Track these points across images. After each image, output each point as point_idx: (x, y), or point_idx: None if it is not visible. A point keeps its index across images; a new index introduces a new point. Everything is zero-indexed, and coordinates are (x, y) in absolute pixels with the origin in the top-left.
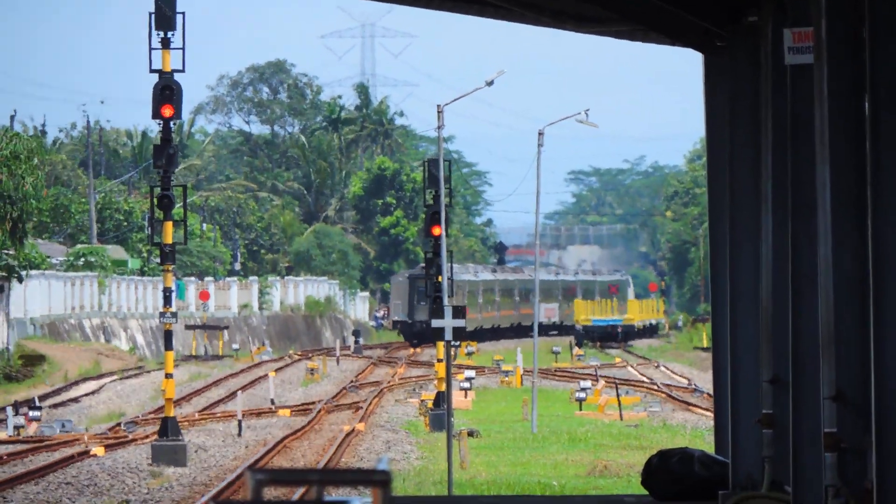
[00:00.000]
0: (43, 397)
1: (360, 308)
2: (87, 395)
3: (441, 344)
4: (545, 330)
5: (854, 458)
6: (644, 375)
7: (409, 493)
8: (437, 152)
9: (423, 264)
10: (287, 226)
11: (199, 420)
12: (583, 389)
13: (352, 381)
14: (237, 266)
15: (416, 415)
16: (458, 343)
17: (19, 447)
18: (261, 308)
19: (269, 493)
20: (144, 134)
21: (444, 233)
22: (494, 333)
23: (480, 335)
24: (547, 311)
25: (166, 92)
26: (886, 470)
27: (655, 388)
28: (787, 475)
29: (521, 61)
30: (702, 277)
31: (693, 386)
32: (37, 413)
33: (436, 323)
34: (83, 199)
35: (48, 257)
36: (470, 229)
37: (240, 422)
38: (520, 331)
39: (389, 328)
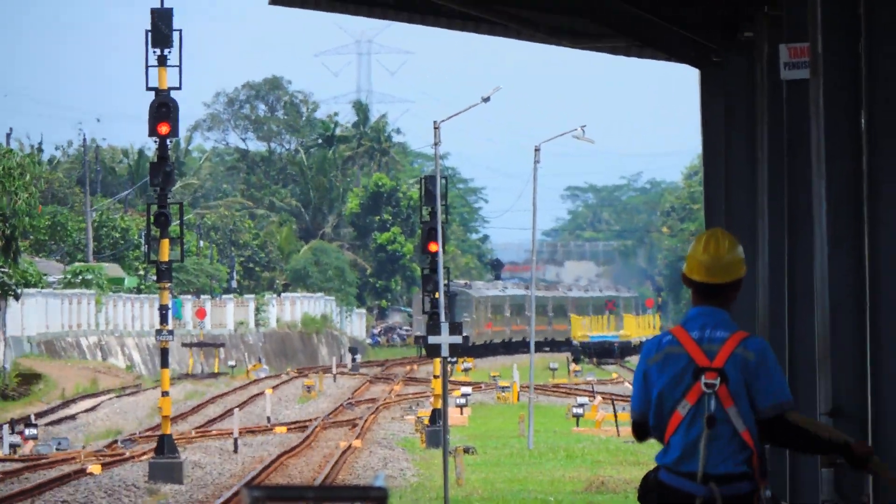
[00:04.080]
0: (39, 415)
1: (356, 325)
2: (83, 412)
3: (437, 360)
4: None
5: (851, 473)
6: None
7: None
8: (434, 169)
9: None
10: (284, 243)
11: (196, 437)
12: (580, 405)
13: (348, 399)
14: (234, 283)
15: (413, 431)
16: (454, 360)
17: (15, 465)
18: (257, 325)
19: None
20: (141, 152)
21: (440, 249)
22: (526, 347)
23: (514, 347)
24: None
25: (163, 109)
26: (883, 485)
27: None
28: (785, 491)
29: (517, 78)
30: None
31: None
32: (33, 431)
33: (432, 339)
34: (80, 217)
35: (45, 275)
36: (466, 246)
37: (236, 439)
38: (553, 345)
39: (411, 344)
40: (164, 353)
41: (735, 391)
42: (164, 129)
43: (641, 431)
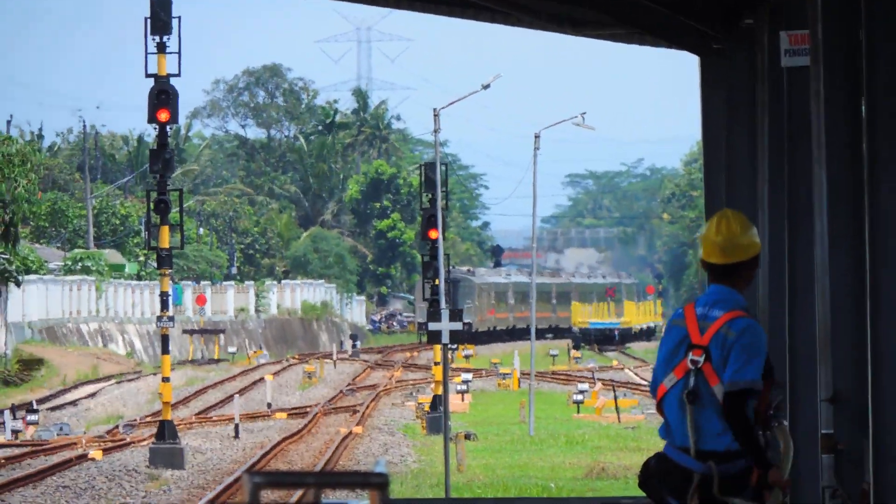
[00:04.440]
0: (41, 401)
1: (356, 312)
2: (84, 398)
3: (438, 347)
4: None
5: (851, 459)
6: (641, 378)
7: (407, 495)
8: (434, 156)
9: (448, 270)
10: (284, 230)
11: (197, 423)
12: (580, 392)
13: (349, 385)
14: (234, 270)
15: (413, 418)
16: (454, 346)
17: (17, 451)
18: (257, 312)
19: (267, 496)
20: (140, 139)
21: (440, 236)
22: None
23: (518, 334)
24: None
25: (162, 96)
26: (883, 471)
27: None
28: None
29: (517, 65)
30: (698, 280)
31: None
32: (34, 417)
33: (433, 326)
34: (80, 204)
35: (46, 262)
36: (467, 233)
37: (237, 425)
38: (557, 332)
39: (411, 330)
40: (165, 340)
41: (717, 369)
42: (163, 115)
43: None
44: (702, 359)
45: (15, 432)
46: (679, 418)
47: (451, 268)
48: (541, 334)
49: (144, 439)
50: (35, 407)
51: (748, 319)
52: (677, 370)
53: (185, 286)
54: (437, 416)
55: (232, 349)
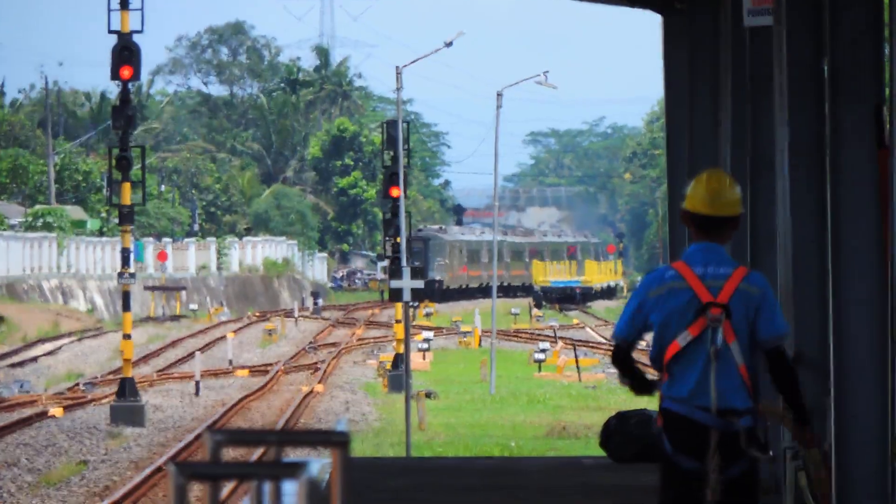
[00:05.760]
0: (1, 357)
1: (318, 269)
2: (45, 355)
3: (399, 305)
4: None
5: (812, 419)
6: (602, 337)
7: (368, 454)
8: (396, 114)
9: (420, 227)
10: (246, 187)
11: (158, 381)
12: (542, 351)
13: (310, 343)
14: (195, 227)
15: (375, 376)
16: (416, 304)
17: None
18: (219, 269)
19: (228, 453)
20: (103, 95)
21: (402, 194)
22: (504, 291)
23: (488, 292)
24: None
25: (125, 53)
26: (844, 432)
27: None
28: None
29: (480, 24)
30: (660, 239)
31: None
32: None
33: (394, 283)
34: (42, 160)
35: (6, 218)
36: (428, 191)
37: (198, 382)
38: (529, 291)
39: (373, 288)
40: (126, 297)
41: (737, 326)
42: (126, 72)
43: (619, 355)
44: (722, 316)
45: None
46: (701, 377)
47: (423, 227)
48: (513, 292)
49: (105, 396)
50: None
51: (759, 273)
52: (692, 329)
53: (147, 243)
54: (398, 375)
55: (193, 306)
